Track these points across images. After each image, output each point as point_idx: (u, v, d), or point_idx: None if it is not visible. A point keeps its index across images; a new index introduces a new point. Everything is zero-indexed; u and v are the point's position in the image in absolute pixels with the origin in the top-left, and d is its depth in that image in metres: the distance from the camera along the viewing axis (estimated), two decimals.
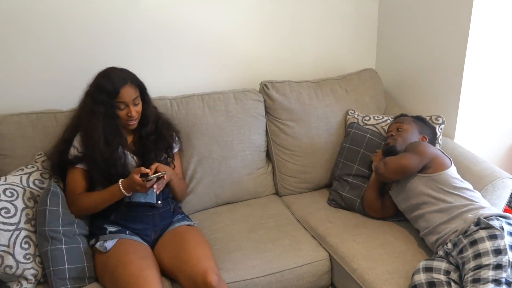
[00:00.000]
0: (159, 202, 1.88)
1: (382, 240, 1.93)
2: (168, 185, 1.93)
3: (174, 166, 2.04)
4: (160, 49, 2.36)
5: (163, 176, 1.76)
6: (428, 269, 1.65)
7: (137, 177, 1.71)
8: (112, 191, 1.78)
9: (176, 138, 2.09)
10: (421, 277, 1.63)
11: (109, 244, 1.74)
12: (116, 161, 1.81)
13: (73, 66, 2.23)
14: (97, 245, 1.75)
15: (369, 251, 1.86)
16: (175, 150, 2.08)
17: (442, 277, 1.61)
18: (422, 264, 1.68)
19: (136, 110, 1.84)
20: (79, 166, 1.84)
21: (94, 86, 1.81)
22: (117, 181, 1.77)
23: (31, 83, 2.19)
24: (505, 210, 2.19)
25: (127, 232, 1.83)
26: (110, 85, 1.77)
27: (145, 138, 1.92)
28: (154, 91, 2.26)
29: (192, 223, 1.98)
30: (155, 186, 1.74)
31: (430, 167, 1.85)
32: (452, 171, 1.85)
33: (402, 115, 2.18)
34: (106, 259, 1.72)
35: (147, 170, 1.72)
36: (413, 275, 1.67)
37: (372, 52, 2.82)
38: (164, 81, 2.40)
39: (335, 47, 2.72)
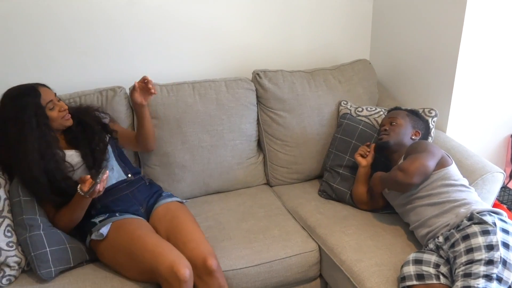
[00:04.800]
0: (129, 175, 1.88)
1: (372, 232, 1.92)
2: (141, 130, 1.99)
3: (117, 132, 1.99)
4: (152, 37, 2.33)
5: (105, 172, 1.69)
6: (418, 262, 1.64)
7: (85, 187, 1.65)
8: (78, 201, 1.71)
9: (101, 114, 2.00)
10: (410, 269, 1.63)
11: (104, 230, 1.72)
12: (62, 165, 1.75)
13: (63, 53, 2.21)
14: (93, 236, 1.73)
15: (358, 243, 1.86)
16: (107, 121, 2.01)
17: (432, 270, 1.61)
18: (412, 256, 1.68)
19: (63, 104, 1.79)
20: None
21: (11, 106, 1.67)
22: (71, 184, 1.73)
23: (14, 68, 2.15)
24: (495, 205, 2.20)
25: (117, 214, 1.81)
26: (29, 92, 1.69)
27: (74, 133, 1.84)
28: None
29: (183, 201, 2.00)
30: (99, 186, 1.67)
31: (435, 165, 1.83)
32: (453, 168, 1.83)
33: (396, 109, 2.16)
34: (113, 243, 1.71)
35: (87, 177, 1.66)
36: (402, 266, 1.67)
37: (366, 43, 2.80)
38: (156, 69, 2.38)
39: (329, 37, 2.69)
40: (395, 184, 1.78)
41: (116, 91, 2.14)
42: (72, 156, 1.80)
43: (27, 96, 1.69)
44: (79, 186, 1.67)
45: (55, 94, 1.80)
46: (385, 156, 2.05)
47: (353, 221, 2.01)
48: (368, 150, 2.08)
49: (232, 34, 2.47)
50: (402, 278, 1.63)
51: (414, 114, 2.08)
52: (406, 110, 2.11)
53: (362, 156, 2.08)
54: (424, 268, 1.62)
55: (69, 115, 1.81)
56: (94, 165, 1.79)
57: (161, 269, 1.57)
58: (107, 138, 1.93)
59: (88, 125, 1.88)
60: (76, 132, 1.85)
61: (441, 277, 1.59)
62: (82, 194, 1.66)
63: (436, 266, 1.62)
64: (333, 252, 1.87)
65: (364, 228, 1.96)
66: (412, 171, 1.73)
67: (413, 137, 2.00)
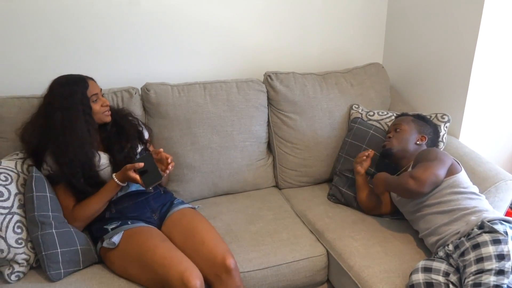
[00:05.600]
0: (150, 188, 1.87)
1: (380, 238, 1.90)
2: None
3: (150, 144, 2.02)
4: (164, 38, 2.33)
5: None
6: (427, 270, 1.62)
7: (133, 174, 1.71)
8: (109, 189, 1.77)
9: (142, 125, 2.05)
10: (419, 277, 1.60)
11: (116, 238, 1.73)
12: (92, 161, 1.78)
13: (78, 53, 2.22)
14: (104, 244, 1.74)
15: (366, 249, 1.84)
16: (146, 136, 2.04)
17: (441, 279, 1.59)
18: (421, 263, 1.65)
19: (106, 100, 1.86)
20: (61, 182, 1.78)
21: (60, 92, 1.75)
22: (97, 182, 1.78)
23: (33, 67, 2.17)
24: (507, 213, 2.16)
25: (129, 222, 1.82)
26: (78, 81, 1.77)
27: (107, 132, 1.89)
28: (157, 77, 2.26)
29: (195, 207, 2.01)
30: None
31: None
32: (463, 175, 1.81)
33: (402, 115, 2.14)
34: (124, 252, 1.71)
35: (141, 164, 1.71)
36: (411, 274, 1.64)
37: (380, 47, 2.78)
38: (167, 69, 2.39)
39: (342, 40, 2.67)
40: (405, 191, 1.76)
41: (131, 93, 2.14)
42: (101, 157, 1.83)
43: (76, 85, 1.76)
44: (113, 174, 1.75)
45: (101, 89, 1.86)
46: (391, 162, 2.02)
47: (362, 226, 1.99)
48: (366, 155, 2.06)
49: (244, 35, 2.47)
50: (411, 286, 1.61)
51: (420, 119, 2.06)
52: (412, 115, 2.09)
53: (359, 163, 2.06)
54: (434, 276, 1.60)
55: (109, 112, 1.86)
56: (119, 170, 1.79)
57: (172, 280, 1.57)
58: (139, 148, 1.94)
59: (124, 129, 1.91)
60: (110, 133, 1.88)
61: (450, 286, 1.56)
62: (119, 182, 1.74)
63: (446, 274, 1.59)
64: (341, 257, 1.85)
65: (373, 233, 1.94)
66: (424, 180, 1.71)
67: (418, 142, 1.98)
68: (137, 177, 1.71)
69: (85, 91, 1.76)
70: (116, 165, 1.83)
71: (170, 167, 1.76)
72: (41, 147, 1.78)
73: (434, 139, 2.06)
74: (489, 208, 1.72)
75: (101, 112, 1.82)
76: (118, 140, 1.88)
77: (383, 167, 2.06)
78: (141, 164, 1.71)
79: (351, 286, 1.78)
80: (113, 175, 1.76)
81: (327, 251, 1.94)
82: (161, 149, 1.79)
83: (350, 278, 1.78)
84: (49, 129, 1.74)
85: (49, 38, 2.16)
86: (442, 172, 1.75)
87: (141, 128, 2.01)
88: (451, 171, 1.78)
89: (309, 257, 1.90)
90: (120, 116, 1.96)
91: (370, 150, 2.08)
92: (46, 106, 1.77)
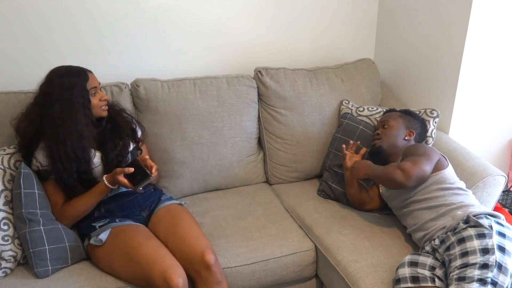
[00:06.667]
0: (141, 188, 1.86)
1: (369, 233, 1.91)
2: None
3: (141, 151, 2.00)
4: (154, 33, 2.33)
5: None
6: (413, 264, 1.63)
7: (122, 179, 1.69)
8: (99, 190, 1.75)
9: (136, 123, 2.02)
10: (406, 271, 1.61)
11: (103, 236, 1.72)
12: (89, 155, 1.77)
13: (67, 48, 2.21)
14: (92, 241, 1.73)
15: (354, 244, 1.84)
16: (139, 134, 2.02)
17: (427, 273, 1.59)
18: (407, 258, 1.66)
19: (105, 94, 1.83)
20: (51, 178, 1.76)
21: (59, 83, 1.71)
22: (89, 178, 1.77)
23: (21, 62, 2.16)
24: (496, 208, 2.17)
25: (117, 220, 1.81)
26: (78, 73, 1.74)
27: (103, 128, 1.85)
28: (147, 73, 2.25)
29: (182, 203, 2.00)
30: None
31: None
32: (449, 171, 1.81)
33: (389, 111, 2.15)
34: (110, 249, 1.71)
35: (131, 169, 1.69)
36: (397, 268, 1.65)
37: (371, 43, 2.77)
38: (157, 64, 2.38)
39: (333, 36, 2.67)
40: (390, 180, 1.75)
41: (121, 88, 2.14)
42: (94, 155, 1.81)
43: (76, 76, 1.73)
44: (105, 176, 1.73)
45: (99, 83, 1.83)
46: (382, 159, 2.02)
47: (350, 222, 1.99)
48: (350, 145, 2.04)
49: (235, 30, 2.46)
50: (397, 280, 1.61)
51: (407, 114, 2.07)
52: (399, 111, 2.09)
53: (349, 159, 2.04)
54: (420, 270, 1.60)
55: (107, 107, 1.83)
56: (110, 170, 1.77)
57: (155, 279, 1.57)
58: (131, 146, 1.92)
59: (119, 126, 1.89)
60: (105, 129, 1.85)
61: (436, 280, 1.57)
62: (109, 185, 1.72)
63: (432, 268, 1.60)
64: (329, 252, 1.86)
65: (362, 228, 1.94)
66: (412, 173, 1.71)
67: (406, 138, 1.99)
68: (126, 181, 1.69)
69: (85, 83, 1.73)
70: (107, 164, 1.81)
71: (152, 176, 1.73)
72: (36, 139, 1.74)
73: (422, 134, 2.06)
74: (476, 203, 1.72)
75: (99, 106, 1.79)
76: (112, 138, 1.85)
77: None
78: (131, 169, 1.69)
79: (338, 281, 1.79)
80: (104, 177, 1.74)
81: (316, 246, 1.94)
82: (147, 157, 1.78)
83: (337, 273, 1.78)
84: (46, 121, 1.70)
85: (37, 33, 2.15)
86: (428, 168, 1.76)
87: (135, 126, 1.99)
88: (438, 167, 1.78)
89: (297, 252, 1.90)
90: (115, 112, 1.93)
91: (357, 142, 2.07)
92: (44, 97, 1.72)
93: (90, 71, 1.81)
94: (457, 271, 1.47)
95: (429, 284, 1.57)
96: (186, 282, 1.60)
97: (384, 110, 2.27)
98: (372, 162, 1.93)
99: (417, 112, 2.16)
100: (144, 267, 1.61)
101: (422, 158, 1.77)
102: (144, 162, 1.75)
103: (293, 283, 1.96)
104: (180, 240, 1.74)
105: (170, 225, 1.81)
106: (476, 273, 1.42)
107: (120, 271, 1.68)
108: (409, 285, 1.57)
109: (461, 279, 1.43)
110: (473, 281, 1.41)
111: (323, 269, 1.93)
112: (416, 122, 2.05)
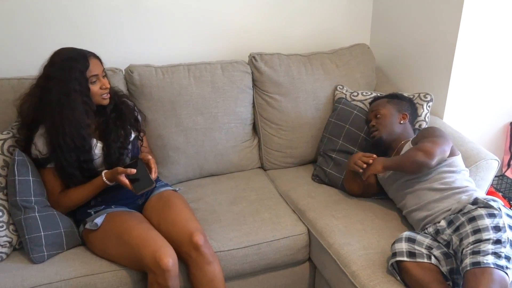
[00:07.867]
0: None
1: (362, 216, 1.92)
2: None
3: (144, 134, 1.99)
4: (148, 19, 2.32)
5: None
6: (411, 240, 1.63)
7: (124, 179, 1.68)
8: (96, 185, 1.75)
9: (137, 111, 1.99)
10: (403, 246, 1.61)
11: (99, 220, 1.73)
12: (89, 144, 1.74)
13: (61, 34, 2.20)
14: (87, 225, 1.74)
15: (347, 227, 1.86)
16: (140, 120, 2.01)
17: (424, 250, 1.60)
18: (405, 234, 1.65)
19: (107, 82, 1.78)
20: (49, 166, 1.75)
21: (59, 65, 1.67)
22: (90, 168, 1.75)
23: (15, 48, 2.16)
24: (489, 192, 2.18)
25: (112, 206, 1.83)
26: (78, 58, 1.68)
27: (107, 117, 1.81)
28: (140, 59, 2.25)
29: (176, 189, 2.01)
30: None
31: None
32: (460, 158, 1.83)
33: (375, 99, 2.13)
34: (104, 233, 1.72)
35: (133, 171, 1.68)
36: (394, 243, 1.64)
37: (367, 28, 2.76)
38: (151, 50, 2.37)
39: (329, 21, 2.66)
40: (413, 163, 1.73)
41: (116, 72, 2.14)
42: (96, 146, 1.78)
43: (76, 61, 1.67)
44: (103, 172, 1.73)
45: (104, 69, 1.77)
46: (383, 149, 2.00)
47: (344, 206, 2.00)
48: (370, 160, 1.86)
49: (230, 16, 2.45)
50: (393, 254, 1.60)
51: (394, 97, 2.06)
52: (385, 96, 2.08)
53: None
54: (417, 247, 1.60)
55: (108, 95, 1.78)
56: (111, 162, 1.77)
57: (145, 259, 1.59)
58: (132, 136, 1.89)
59: (123, 115, 1.85)
60: (109, 117, 1.81)
61: (432, 257, 1.58)
62: (107, 181, 1.72)
63: (429, 248, 1.61)
64: (321, 235, 1.87)
65: (355, 212, 1.95)
66: (433, 152, 1.70)
67: (401, 122, 1.99)
68: (127, 182, 1.68)
69: (84, 70, 1.67)
70: (108, 155, 1.78)
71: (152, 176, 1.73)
72: (35, 122, 1.71)
73: (413, 113, 2.07)
74: (479, 191, 1.74)
75: (99, 95, 1.74)
76: (115, 128, 1.81)
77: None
78: (133, 171, 1.67)
79: (330, 264, 1.80)
80: (103, 173, 1.73)
81: (308, 230, 1.95)
82: (150, 157, 1.76)
83: (329, 255, 1.80)
84: (45, 105, 1.67)
85: (30, 19, 2.14)
86: (447, 148, 1.77)
87: (136, 114, 1.97)
88: (452, 153, 1.80)
89: (289, 236, 1.91)
90: (120, 100, 1.89)
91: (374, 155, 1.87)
92: (44, 79, 1.68)
93: (95, 57, 1.74)
94: (471, 246, 1.47)
95: (425, 260, 1.57)
96: (176, 262, 1.61)
97: (379, 94, 2.26)
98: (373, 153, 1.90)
99: (410, 96, 2.16)
100: (135, 249, 1.62)
101: (441, 139, 1.77)
102: (147, 162, 1.74)
103: (286, 266, 1.98)
104: (171, 224, 1.75)
105: (162, 211, 1.82)
106: (490, 247, 1.43)
107: (114, 254, 1.70)
108: (405, 259, 1.57)
109: (476, 252, 1.44)
110: (488, 254, 1.42)
111: (316, 252, 1.94)
112: (405, 104, 2.04)
